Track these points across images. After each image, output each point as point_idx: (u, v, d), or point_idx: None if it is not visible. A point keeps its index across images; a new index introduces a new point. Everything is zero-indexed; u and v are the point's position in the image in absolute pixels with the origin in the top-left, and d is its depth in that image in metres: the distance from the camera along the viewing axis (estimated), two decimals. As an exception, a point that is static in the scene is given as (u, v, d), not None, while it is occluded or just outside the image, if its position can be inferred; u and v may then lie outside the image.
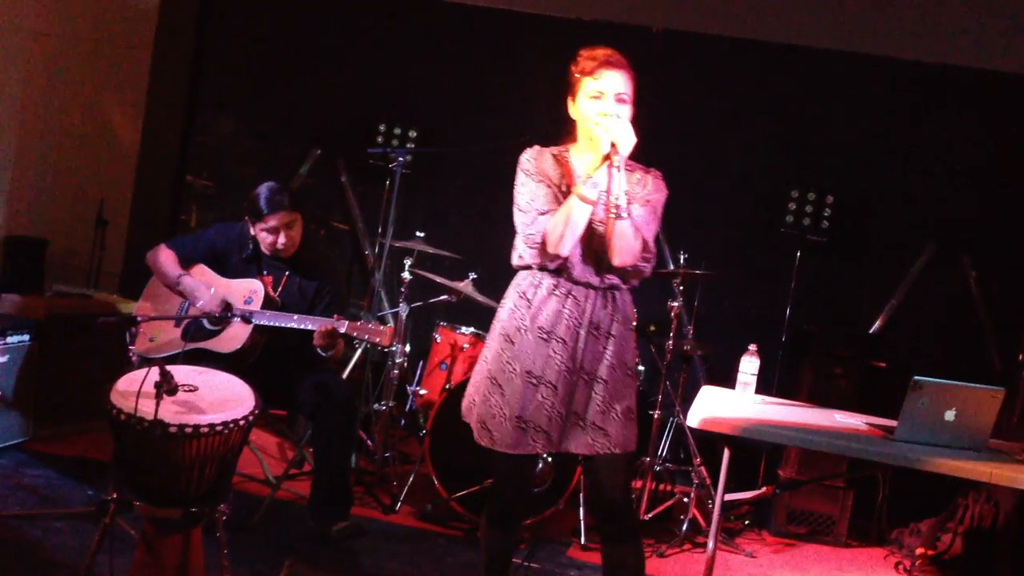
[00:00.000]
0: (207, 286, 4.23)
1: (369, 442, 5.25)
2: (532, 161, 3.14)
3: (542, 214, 3.04)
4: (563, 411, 3.06)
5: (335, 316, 4.06)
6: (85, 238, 6.44)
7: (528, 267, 3.14)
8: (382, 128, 6.26)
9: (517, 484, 3.23)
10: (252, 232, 4.26)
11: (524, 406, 3.05)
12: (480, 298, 5.22)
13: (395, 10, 6.51)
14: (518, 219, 3.10)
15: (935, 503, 5.01)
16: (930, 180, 5.95)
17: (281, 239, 4.20)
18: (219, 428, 3.09)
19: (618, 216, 2.94)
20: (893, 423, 3.51)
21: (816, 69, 6.04)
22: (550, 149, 3.17)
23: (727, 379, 4.25)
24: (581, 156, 3.13)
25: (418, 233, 5.29)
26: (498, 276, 5.98)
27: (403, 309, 5.10)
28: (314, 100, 6.62)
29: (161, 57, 6.74)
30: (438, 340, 5.18)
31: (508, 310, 3.16)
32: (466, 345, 5.08)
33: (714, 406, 3.57)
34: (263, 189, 4.21)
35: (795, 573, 4.74)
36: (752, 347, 4.17)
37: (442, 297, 5.29)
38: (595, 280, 3.09)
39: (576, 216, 2.97)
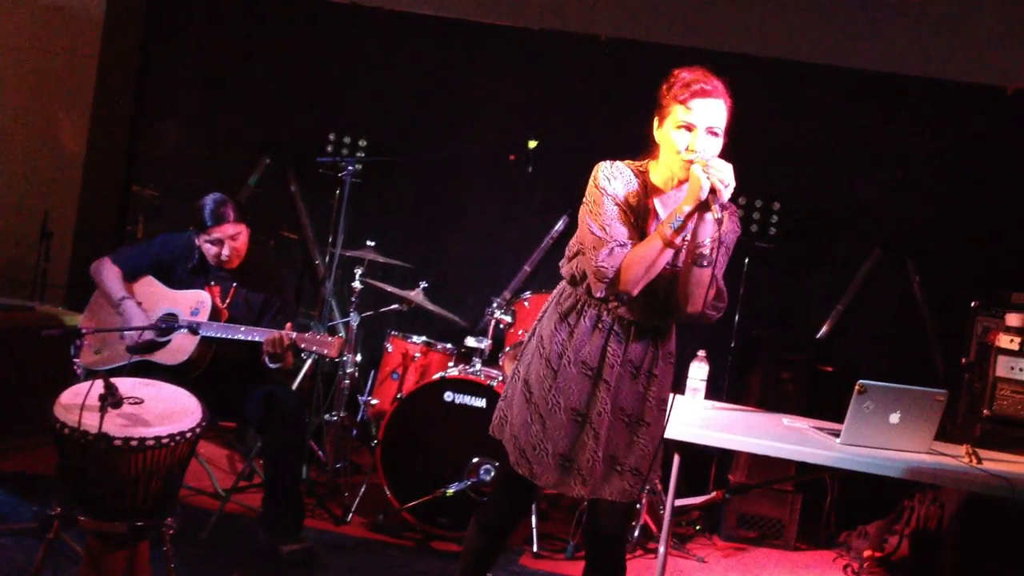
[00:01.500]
0: (151, 303, 4.18)
1: (320, 453, 5.22)
2: (611, 179, 2.87)
3: (621, 246, 2.79)
4: (600, 454, 2.91)
5: (284, 327, 4.03)
6: (29, 250, 6.34)
7: (574, 283, 2.97)
8: (332, 137, 6.23)
9: (518, 502, 3.14)
10: (197, 243, 4.22)
11: (570, 445, 2.92)
12: (431, 307, 5.22)
13: (345, 19, 6.48)
14: (589, 242, 2.83)
15: (882, 505, 5.08)
16: (876, 187, 6.04)
17: (225, 251, 4.17)
18: (165, 441, 3.05)
19: (701, 264, 2.74)
20: (840, 427, 3.56)
21: (763, 78, 6.11)
22: (629, 164, 2.94)
23: (677, 385, 4.27)
24: (663, 179, 2.90)
25: (369, 242, 5.27)
26: (449, 285, 6.04)
27: (354, 319, 5.08)
28: (263, 109, 6.58)
29: (107, 66, 6.66)
30: (389, 349, 5.17)
31: (549, 331, 2.99)
32: (417, 354, 5.07)
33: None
34: (208, 200, 4.17)
35: (746, 577, 4.78)
36: (701, 353, 4.22)
37: (393, 306, 5.28)
38: (645, 320, 2.92)
39: (659, 260, 2.74)
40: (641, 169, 2.94)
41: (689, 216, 2.71)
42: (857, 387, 3.48)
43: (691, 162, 2.75)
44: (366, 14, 6.45)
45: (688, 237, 2.75)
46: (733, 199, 5.77)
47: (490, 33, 6.33)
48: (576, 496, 2.96)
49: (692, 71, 2.91)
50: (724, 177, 2.69)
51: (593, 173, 2.90)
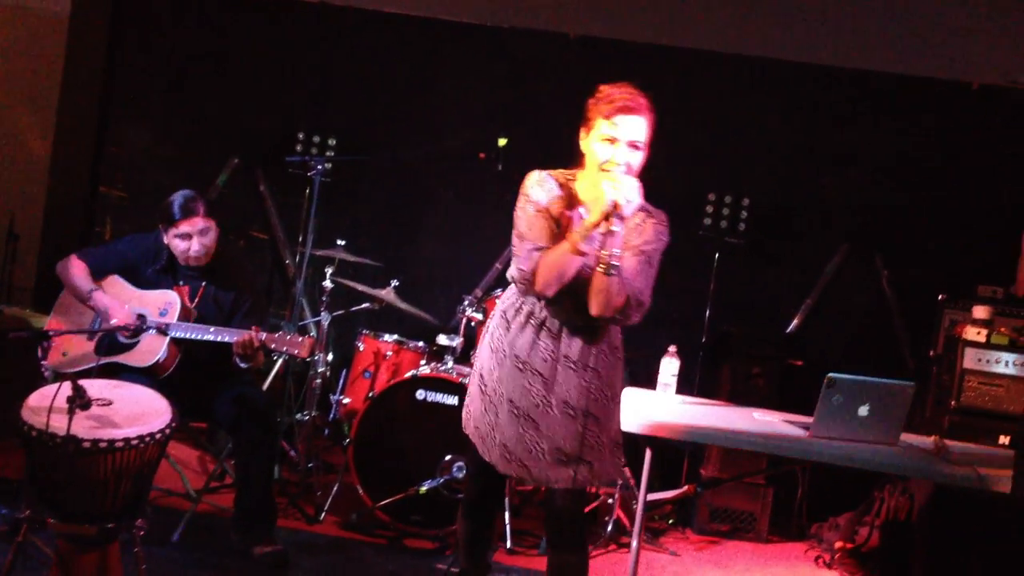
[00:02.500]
0: (120, 300, 4.14)
1: (292, 452, 5.20)
2: (535, 187, 3.05)
3: (536, 250, 2.97)
4: (546, 446, 3.04)
5: (253, 327, 4.01)
6: (-5, 252, 6.27)
7: (512, 282, 3.11)
8: (301, 136, 6.21)
9: (486, 481, 3.28)
10: (165, 240, 4.18)
11: (508, 436, 3.08)
12: (402, 305, 5.21)
13: (312, 17, 6.45)
14: (514, 244, 3.04)
15: (853, 497, 5.13)
16: (844, 182, 6.08)
17: (194, 246, 4.14)
18: (134, 442, 3.03)
19: (607, 272, 2.88)
20: (810, 420, 3.59)
21: (732, 74, 6.15)
22: (555, 174, 3.08)
23: (648, 381, 4.30)
24: (585, 189, 3.05)
25: (339, 241, 5.25)
26: (420, 283, 6.03)
27: (325, 318, 5.06)
28: (231, 109, 6.54)
29: (73, 66, 6.58)
30: (361, 348, 5.15)
31: (494, 326, 3.19)
32: (389, 353, 5.06)
33: (636, 408, 3.60)
34: (177, 196, 4.15)
35: (718, 570, 4.80)
36: (672, 348, 4.23)
37: (364, 305, 5.26)
38: (574, 319, 3.05)
39: (568, 267, 2.92)
40: (568, 178, 3.09)
41: (594, 226, 2.88)
42: (826, 380, 3.51)
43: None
44: (335, 13, 6.42)
45: (598, 246, 2.92)
46: (699, 194, 5.89)
47: (459, 31, 6.33)
48: (527, 482, 3.15)
49: (619, 88, 3.06)
50: (628, 194, 2.86)
51: (524, 180, 3.08)
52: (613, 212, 2.84)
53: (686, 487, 4.31)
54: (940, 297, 5.29)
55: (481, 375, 3.19)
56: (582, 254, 2.91)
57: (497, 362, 3.12)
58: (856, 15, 6.03)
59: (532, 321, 3.09)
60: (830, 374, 3.52)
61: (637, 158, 3.00)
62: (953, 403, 4.86)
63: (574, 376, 3.05)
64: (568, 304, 3.02)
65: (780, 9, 6.12)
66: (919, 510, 4.58)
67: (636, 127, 2.99)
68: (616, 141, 2.97)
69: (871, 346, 5.94)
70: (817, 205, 6.12)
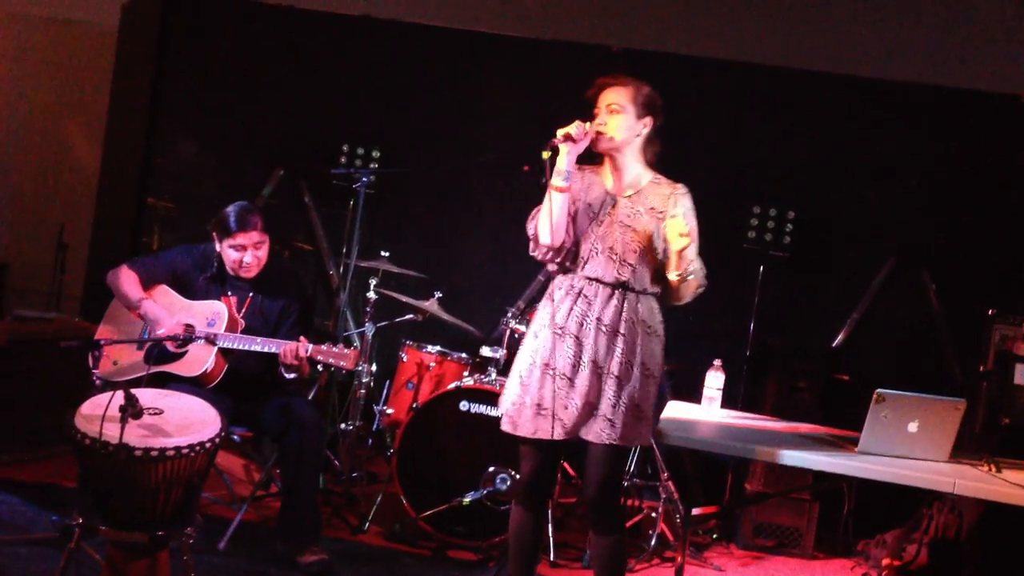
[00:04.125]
0: (168, 310, 4.19)
1: (336, 462, 5.22)
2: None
3: (537, 211, 3.40)
4: (579, 401, 3.32)
5: (300, 338, 4.04)
6: (45, 261, 6.37)
7: (560, 272, 3.47)
8: (345, 148, 6.26)
9: (540, 466, 3.44)
10: (218, 249, 4.23)
11: (543, 395, 3.35)
12: (446, 316, 5.22)
13: (357, 31, 6.51)
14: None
15: (900, 514, 5.05)
16: (890, 195, 6.03)
17: (247, 257, 4.18)
18: (185, 451, 3.06)
19: (683, 279, 3.36)
20: (857, 435, 3.55)
21: (777, 87, 6.12)
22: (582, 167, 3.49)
23: (693, 394, 4.27)
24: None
25: (383, 253, 5.28)
26: (463, 294, 6.04)
27: (369, 329, 5.09)
28: (276, 121, 6.60)
29: (121, 79, 6.69)
30: (404, 359, 5.17)
31: (538, 312, 3.51)
32: (432, 364, 5.07)
33: (680, 421, 3.58)
34: (235, 207, 4.20)
35: (763, 586, 4.77)
36: (717, 362, 4.21)
37: (408, 316, 5.29)
38: (605, 276, 3.37)
39: (549, 204, 3.33)
40: (594, 169, 3.55)
41: (554, 161, 3.33)
42: (875, 396, 3.47)
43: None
44: (379, 26, 6.47)
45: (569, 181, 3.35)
46: (744, 207, 5.85)
47: (502, 44, 6.35)
48: (554, 437, 3.33)
49: (605, 76, 3.51)
50: (569, 129, 3.34)
51: None
52: (561, 142, 3.31)
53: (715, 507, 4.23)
54: (990, 312, 5.22)
55: (518, 361, 3.47)
56: (561, 190, 3.32)
57: (536, 336, 3.44)
58: (904, 28, 5.98)
59: (571, 292, 3.41)
60: (879, 389, 3.48)
61: (615, 120, 3.41)
62: (1005, 420, 4.79)
63: (604, 339, 3.35)
64: (601, 259, 3.38)
65: (825, 22, 6.09)
66: (968, 528, 4.51)
67: (612, 95, 3.43)
68: (599, 111, 3.44)
69: (918, 361, 5.87)
70: (863, 218, 6.06)
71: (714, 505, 5.37)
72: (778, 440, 3.58)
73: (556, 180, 3.33)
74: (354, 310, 6.20)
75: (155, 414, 3.17)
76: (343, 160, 6.24)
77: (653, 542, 4.80)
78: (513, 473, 4.43)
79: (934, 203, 5.98)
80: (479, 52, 6.40)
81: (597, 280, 3.39)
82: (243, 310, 4.27)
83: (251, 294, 4.29)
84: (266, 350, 4.04)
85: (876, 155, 6.06)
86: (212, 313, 4.18)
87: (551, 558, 4.53)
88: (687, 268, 3.35)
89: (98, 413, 3.01)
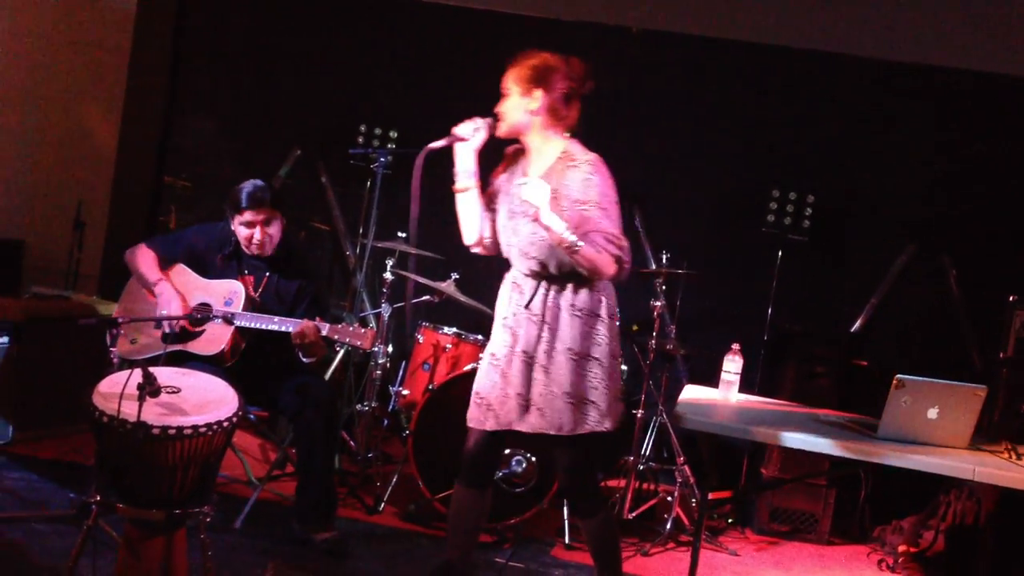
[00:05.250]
0: (186, 289, 4.19)
1: (352, 443, 5.23)
2: None
3: None
4: (511, 392, 3.36)
5: (316, 318, 4.04)
6: (62, 240, 6.38)
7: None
8: (362, 129, 6.24)
9: (479, 448, 3.50)
10: (232, 227, 4.23)
11: (483, 384, 3.45)
12: (462, 298, 5.21)
13: (374, 10, 6.48)
14: None
15: (917, 500, 5.03)
16: (910, 180, 5.98)
17: (258, 234, 4.18)
18: (202, 430, 3.06)
19: (572, 251, 3.19)
20: (875, 421, 3.53)
21: (797, 69, 6.07)
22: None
23: (710, 378, 4.26)
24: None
25: (400, 234, 5.26)
26: (480, 276, 6.00)
27: (385, 310, 5.08)
28: (293, 101, 6.59)
29: (139, 58, 6.69)
30: (420, 340, 5.17)
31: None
32: (448, 345, 5.06)
33: (698, 405, 3.57)
34: (246, 184, 4.21)
35: (778, 571, 4.75)
36: (735, 346, 4.18)
37: (424, 297, 5.27)
38: (522, 268, 3.42)
39: (459, 209, 3.52)
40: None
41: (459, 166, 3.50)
42: (895, 381, 3.44)
43: None
44: (398, 6, 6.44)
45: (477, 182, 3.48)
46: (763, 191, 5.81)
47: (521, 24, 6.31)
48: (486, 428, 3.42)
49: None
50: (456, 128, 3.48)
51: None
52: (448, 143, 3.49)
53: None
54: (1011, 298, 5.17)
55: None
56: (459, 191, 3.48)
57: (493, 330, 3.51)
58: (925, 11, 5.91)
59: (508, 284, 3.48)
60: (899, 375, 3.45)
61: (505, 104, 3.45)
62: None
63: (534, 327, 3.36)
64: (517, 254, 3.41)
65: (846, 4, 6.03)
66: (986, 515, 4.49)
67: (504, 80, 3.47)
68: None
69: (937, 347, 5.84)
70: (883, 203, 6.02)
71: (730, 490, 5.36)
72: (796, 425, 3.56)
73: (458, 181, 3.44)
74: (370, 291, 6.19)
75: (172, 392, 3.18)
76: (360, 140, 6.22)
77: (668, 526, 4.79)
78: (529, 455, 4.43)
79: (955, 188, 5.93)
80: (498, 32, 6.36)
81: (524, 273, 3.42)
82: (260, 289, 4.27)
83: (267, 273, 4.29)
84: (283, 329, 4.04)
85: (897, 139, 6.01)
86: (229, 292, 4.18)
87: (566, 540, 4.53)
88: (562, 237, 3.16)
89: (116, 391, 3.01)
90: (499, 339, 3.44)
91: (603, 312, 3.38)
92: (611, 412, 3.37)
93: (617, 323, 3.47)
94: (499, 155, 3.61)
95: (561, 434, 3.31)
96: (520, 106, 3.38)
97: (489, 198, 3.54)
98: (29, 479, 4.40)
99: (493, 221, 3.52)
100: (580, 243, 3.17)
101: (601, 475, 5.12)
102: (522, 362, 3.35)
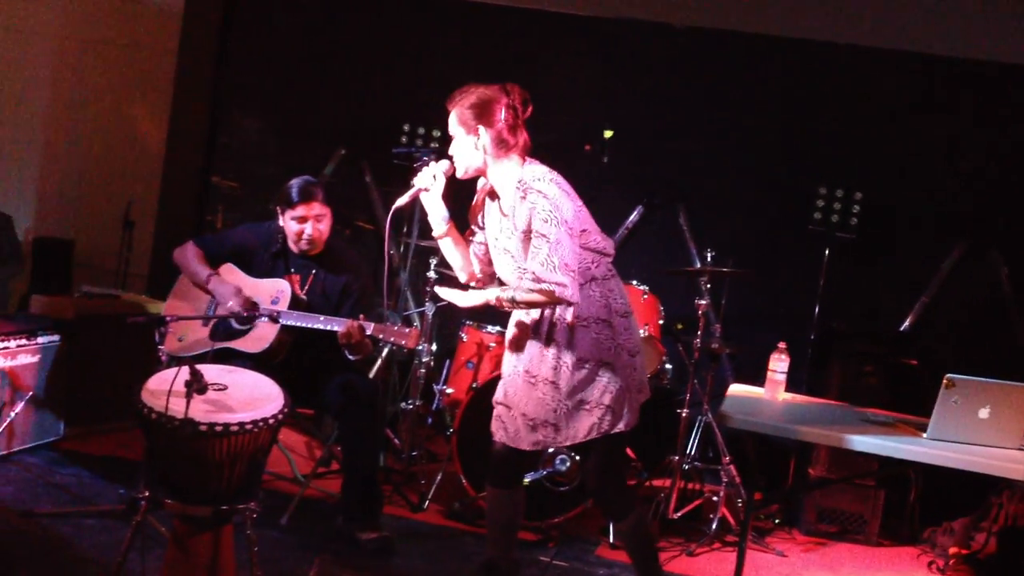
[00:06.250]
0: (235, 287, 4.23)
1: (396, 441, 5.25)
2: None
3: None
4: (516, 413, 3.41)
5: (361, 316, 4.05)
6: (112, 239, 6.48)
7: None
8: (406, 128, 6.26)
9: (503, 450, 3.50)
10: (281, 223, 4.27)
11: (497, 396, 3.54)
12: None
13: (418, 10, 6.50)
14: None
15: (968, 502, 4.94)
16: (959, 176, 5.89)
17: (308, 229, 4.21)
18: (249, 427, 3.09)
19: (513, 305, 3.28)
20: (925, 421, 3.48)
21: (844, 66, 6.00)
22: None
23: (755, 377, 4.22)
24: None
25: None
26: (524, 275, 6.00)
27: (429, 308, 5.09)
28: (338, 101, 6.63)
29: (186, 59, 6.77)
30: (464, 339, 5.17)
31: None
32: (492, 344, 5.07)
33: (743, 404, 3.54)
34: (298, 180, 4.25)
35: (826, 572, 4.70)
36: (781, 345, 4.14)
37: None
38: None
39: (443, 253, 3.57)
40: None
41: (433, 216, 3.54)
42: (945, 381, 3.39)
43: None
44: (441, 5, 6.46)
45: (451, 226, 3.55)
46: (810, 188, 5.75)
47: (564, 22, 6.30)
48: (496, 439, 3.49)
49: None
50: (415, 181, 3.52)
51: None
52: (413, 197, 3.52)
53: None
54: (1064, 296, 5.08)
55: None
56: (440, 237, 3.53)
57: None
58: (973, 4, 5.82)
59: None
60: (949, 375, 3.40)
61: (454, 148, 3.46)
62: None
63: (536, 346, 3.36)
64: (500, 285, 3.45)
65: (894, -1, 5.95)
66: (1040, 517, 4.41)
67: (449, 123, 3.47)
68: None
69: (989, 346, 5.74)
70: (932, 200, 5.93)
71: (777, 489, 5.30)
72: (844, 425, 3.52)
73: (434, 229, 3.49)
74: (414, 289, 6.21)
75: (219, 390, 3.20)
76: (404, 140, 6.24)
77: (714, 526, 4.75)
78: (573, 455, 4.41)
79: (1006, 184, 5.83)
80: (541, 31, 6.36)
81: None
82: (306, 287, 4.30)
83: (314, 271, 4.31)
84: (328, 328, 4.06)
85: (948, 135, 5.92)
86: (276, 291, 4.21)
87: (611, 540, 4.51)
88: (498, 302, 3.29)
89: (164, 388, 3.05)
90: (506, 359, 3.50)
91: (607, 315, 3.36)
92: (629, 412, 3.35)
93: (628, 319, 3.42)
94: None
95: (576, 442, 3.33)
96: (468, 145, 3.41)
97: (472, 236, 3.61)
98: (79, 475, 4.46)
99: (481, 256, 3.57)
100: (513, 295, 3.26)
101: (646, 475, 5.10)
102: (527, 383, 3.37)
